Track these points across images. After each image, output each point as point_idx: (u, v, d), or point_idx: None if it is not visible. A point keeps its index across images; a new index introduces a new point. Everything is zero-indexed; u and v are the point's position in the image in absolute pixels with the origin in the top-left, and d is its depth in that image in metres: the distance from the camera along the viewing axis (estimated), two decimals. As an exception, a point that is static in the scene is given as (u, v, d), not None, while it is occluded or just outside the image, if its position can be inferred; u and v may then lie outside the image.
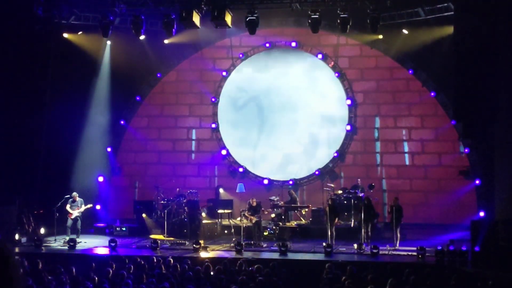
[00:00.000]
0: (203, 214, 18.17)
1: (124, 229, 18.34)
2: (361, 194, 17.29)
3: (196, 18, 15.82)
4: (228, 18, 15.93)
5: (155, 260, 12.86)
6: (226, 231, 18.00)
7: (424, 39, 17.82)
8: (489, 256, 13.17)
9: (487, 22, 14.42)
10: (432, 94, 19.25)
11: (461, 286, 11.18)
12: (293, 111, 20.48)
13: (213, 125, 20.87)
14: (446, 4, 16.33)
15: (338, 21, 15.86)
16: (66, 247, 15.64)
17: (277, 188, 19.84)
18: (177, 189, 18.74)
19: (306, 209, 18.71)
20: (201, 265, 12.34)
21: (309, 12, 15.96)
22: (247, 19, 15.97)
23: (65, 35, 18.72)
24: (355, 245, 15.05)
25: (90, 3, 16.90)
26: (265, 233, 17.27)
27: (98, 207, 19.44)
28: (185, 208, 17.70)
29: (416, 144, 19.66)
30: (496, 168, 15.04)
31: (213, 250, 15.39)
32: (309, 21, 16.04)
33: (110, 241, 15.47)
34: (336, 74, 20.21)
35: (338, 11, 15.74)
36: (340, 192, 18.25)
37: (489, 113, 14.98)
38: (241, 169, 20.51)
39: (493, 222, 14.02)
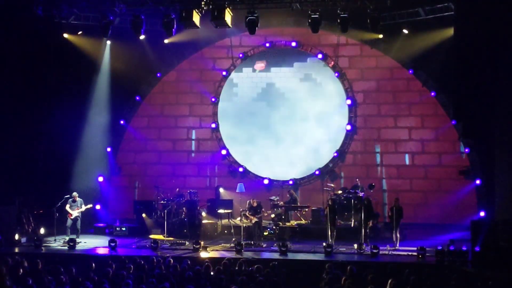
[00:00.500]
0: (203, 214, 18.16)
1: (124, 229, 18.33)
2: (361, 194, 17.28)
3: (196, 18, 15.81)
4: (228, 18, 15.92)
5: (155, 260, 12.85)
6: (226, 231, 18.00)
7: (424, 39, 17.80)
8: (489, 256, 13.16)
9: (487, 22, 14.40)
10: (432, 94, 19.24)
11: (461, 286, 11.16)
12: (293, 111, 20.46)
13: (213, 125, 20.86)
14: (446, 4, 16.33)
15: (338, 21, 15.85)
16: (66, 247, 15.63)
17: (277, 188, 19.83)
18: (177, 189, 18.73)
19: (306, 209, 18.71)
20: (201, 265, 12.32)
21: (309, 12, 15.95)
22: (247, 19, 15.96)
23: (65, 35, 18.71)
24: (355, 245, 15.05)
25: (90, 3, 16.88)
26: (265, 233, 17.27)
27: (98, 207, 19.43)
28: (184, 208, 17.66)
29: (416, 144, 19.65)
30: (496, 168, 15.04)
31: (213, 250, 15.39)
32: (309, 21, 16.03)
33: (110, 241, 15.46)
34: (336, 74, 20.21)
35: (338, 11, 15.73)
36: (340, 192, 18.24)
37: (489, 113, 14.97)
38: (241, 169, 20.50)
39: (493, 222, 14.01)
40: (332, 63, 20.28)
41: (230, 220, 17.55)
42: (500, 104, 14.71)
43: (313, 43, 20.29)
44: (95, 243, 16.35)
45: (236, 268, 12.20)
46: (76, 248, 15.64)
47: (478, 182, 17.70)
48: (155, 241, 15.67)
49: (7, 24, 16.48)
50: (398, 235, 15.71)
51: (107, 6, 16.43)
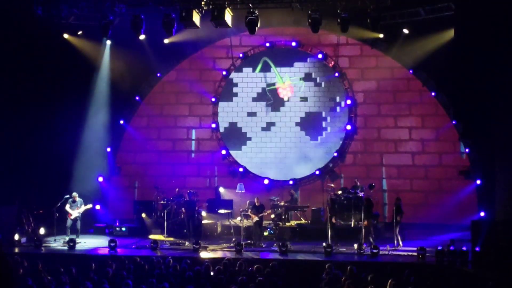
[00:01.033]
0: (203, 214, 18.15)
1: (124, 229, 18.33)
2: (361, 194, 17.26)
3: (196, 18, 15.82)
4: (228, 18, 15.93)
5: (155, 260, 12.86)
6: (226, 231, 17.99)
7: (425, 39, 17.78)
8: (489, 256, 13.16)
9: (487, 22, 14.40)
10: (433, 94, 19.23)
11: (461, 286, 11.17)
12: (293, 111, 20.46)
13: (213, 125, 20.85)
14: (446, 4, 16.30)
15: (338, 21, 15.84)
16: (66, 247, 15.63)
17: (277, 188, 19.83)
18: (177, 189, 18.72)
19: (306, 209, 18.71)
20: (201, 265, 12.33)
21: (309, 12, 15.95)
22: (247, 19, 15.95)
23: (65, 35, 18.71)
24: (355, 245, 15.04)
25: (90, 3, 16.86)
26: (265, 233, 17.27)
27: (98, 207, 19.43)
28: (183, 208, 17.64)
29: (417, 144, 19.64)
30: (496, 168, 15.04)
31: (213, 250, 15.40)
32: (309, 20, 16.02)
33: (110, 241, 15.46)
34: (336, 74, 20.20)
35: (338, 11, 15.72)
36: (340, 192, 18.21)
37: (489, 113, 14.97)
38: (241, 169, 20.49)
39: (494, 222, 14.01)
40: (332, 63, 20.28)
41: (230, 220, 17.55)
42: (500, 104, 14.70)
43: (313, 43, 20.29)
44: (95, 243, 16.36)
45: (236, 268, 12.20)
46: (76, 248, 15.65)
47: (478, 182, 17.68)
48: (155, 241, 15.67)
49: (7, 24, 16.46)
50: (398, 235, 15.71)
51: (107, 6, 16.41)
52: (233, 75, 20.97)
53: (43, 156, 18.29)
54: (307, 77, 20.51)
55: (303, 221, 18.64)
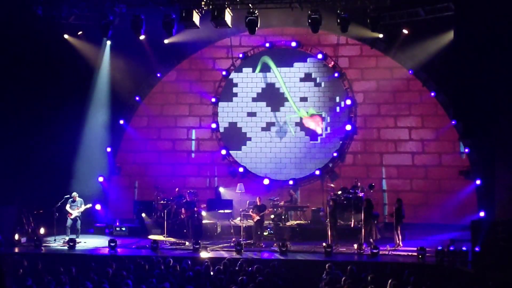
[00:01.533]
0: (203, 214, 18.15)
1: (124, 229, 18.34)
2: (361, 194, 17.27)
3: (196, 18, 15.82)
4: (228, 18, 15.93)
5: (155, 260, 12.86)
6: (226, 231, 17.99)
7: (424, 39, 17.80)
8: (489, 256, 13.16)
9: (487, 22, 14.40)
10: (432, 94, 19.24)
11: (461, 286, 11.18)
12: (292, 111, 20.46)
13: (213, 125, 20.85)
14: (446, 4, 16.31)
15: (338, 21, 15.84)
16: (66, 247, 15.64)
17: (277, 188, 19.83)
18: (176, 189, 18.73)
19: (305, 209, 18.71)
20: (201, 265, 12.34)
21: (309, 12, 15.95)
22: (247, 19, 15.96)
23: (65, 35, 18.71)
24: (355, 245, 15.05)
25: (90, 3, 16.86)
26: (265, 233, 17.27)
27: (98, 207, 19.43)
28: (183, 208, 17.65)
29: (417, 144, 19.65)
30: (496, 168, 15.04)
31: (213, 250, 15.40)
32: (309, 21, 16.03)
33: (110, 241, 15.47)
34: (336, 74, 20.20)
35: (338, 11, 15.73)
36: (340, 192, 18.22)
37: (489, 113, 14.96)
38: (241, 169, 20.49)
39: (494, 222, 14.01)
40: (332, 63, 20.28)
41: (230, 220, 17.55)
42: (500, 104, 14.71)
43: (313, 43, 20.30)
44: (95, 243, 16.37)
45: (236, 268, 12.21)
46: (76, 248, 15.66)
47: (478, 182, 17.70)
48: (155, 241, 15.68)
49: (7, 24, 16.46)
50: (399, 235, 15.73)
51: (107, 6, 16.41)
52: (233, 75, 20.97)
53: (43, 156, 18.29)
54: (307, 77, 20.51)
55: (303, 221, 18.64)
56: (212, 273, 11.80)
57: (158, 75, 21.08)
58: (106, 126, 20.20)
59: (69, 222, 16.76)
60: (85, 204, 17.09)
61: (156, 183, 19.58)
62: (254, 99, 20.77)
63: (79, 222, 16.88)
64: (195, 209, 17.35)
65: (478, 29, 14.56)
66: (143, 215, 18.45)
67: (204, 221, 18.04)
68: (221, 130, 20.90)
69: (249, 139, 20.67)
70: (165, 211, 16.88)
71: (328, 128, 20.26)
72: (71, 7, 17.03)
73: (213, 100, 20.88)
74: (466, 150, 18.62)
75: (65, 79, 18.67)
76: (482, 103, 15.02)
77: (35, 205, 17.56)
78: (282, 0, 16.10)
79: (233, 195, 19.17)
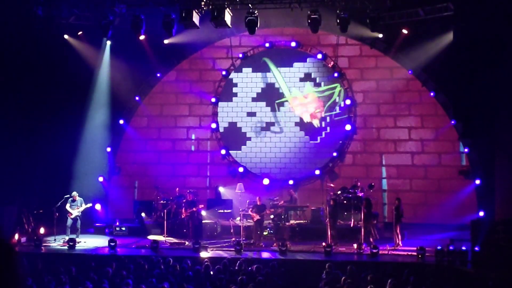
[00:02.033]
0: (203, 214, 18.16)
1: (124, 229, 18.34)
2: (360, 194, 17.30)
3: (196, 18, 15.84)
4: (228, 18, 15.94)
5: (155, 260, 12.88)
6: (226, 231, 18.00)
7: (424, 39, 17.81)
8: (489, 256, 13.18)
9: (487, 22, 14.42)
10: (432, 94, 19.25)
11: (461, 286, 11.19)
12: (292, 111, 20.47)
13: (213, 125, 20.86)
14: (445, 4, 16.33)
15: (338, 21, 15.85)
16: (66, 247, 15.65)
17: (277, 188, 19.83)
18: (177, 188, 18.73)
19: (305, 209, 18.72)
20: (201, 265, 12.36)
21: (308, 12, 15.96)
22: (247, 19, 15.97)
23: (65, 36, 18.73)
24: (355, 245, 15.06)
25: (90, 3, 16.87)
26: (265, 233, 17.28)
27: (98, 206, 19.44)
28: (183, 208, 17.66)
29: (416, 144, 19.66)
30: (496, 168, 15.05)
31: (213, 250, 15.40)
32: (309, 21, 16.04)
33: (110, 241, 15.48)
34: (336, 74, 20.21)
35: (338, 11, 15.74)
36: (339, 192, 18.25)
37: (489, 113, 14.99)
38: (241, 169, 20.50)
39: (493, 222, 14.03)
40: (332, 63, 20.29)
41: (230, 220, 17.57)
42: (500, 104, 14.73)
43: (313, 43, 20.31)
44: (95, 243, 16.37)
45: (236, 268, 12.23)
46: (76, 248, 15.66)
47: (478, 182, 17.71)
48: (155, 241, 15.68)
49: (7, 24, 16.48)
50: (399, 235, 15.74)
51: (107, 6, 16.43)
52: (233, 75, 20.98)
53: (43, 156, 18.31)
54: (307, 77, 20.53)
55: (303, 221, 18.65)
56: (212, 273, 11.81)
57: (158, 75, 21.09)
58: (106, 126, 20.21)
59: (69, 221, 16.77)
60: (85, 204, 17.09)
61: (156, 183, 19.58)
62: (253, 99, 20.78)
63: (79, 221, 16.88)
64: (195, 209, 17.35)
65: (477, 29, 14.59)
66: (143, 214, 18.46)
67: (204, 221, 18.05)
68: (221, 130, 20.91)
69: (249, 139, 20.69)
70: (165, 211, 16.88)
71: (328, 128, 20.27)
72: (71, 7, 17.04)
73: (213, 100, 20.89)
74: (466, 150, 18.64)
75: (65, 79, 18.68)
76: (481, 103, 15.05)
77: (35, 205, 17.58)
78: (282, 0, 16.11)
79: (233, 195, 19.19)
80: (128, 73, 19.67)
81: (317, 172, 20.02)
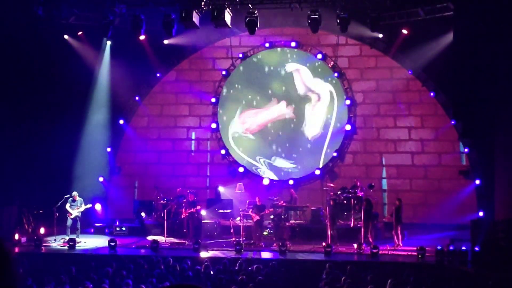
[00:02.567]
0: (203, 214, 18.16)
1: (124, 229, 18.33)
2: (360, 194, 17.30)
3: (196, 18, 15.85)
4: (228, 18, 15.95)
5: (155, 260, 12.88)
6: (226, 231, 17.99)
7: (424, 39, 17.82)
8: (489, 256, 13.18)
9: (487, 22, 14.42)
10: (432, 94, 19.25)
11: (461, 286, 11.19)
12: (292, 111, 20.46)
13: (213, 125, 20.85)
14: (445, 4, 16.33)
15: (338, 21, 15.86)
16: (66, 247, 15.64)
17: (277, 188, 19.83)
18: (178, 188, 18.73)
19: (305, 209, 18.72)
20: (201, 265, 12.36)
21: (308, 12, 15.97)
22: (247, 19, 15.98)
23: (65, 36, 18.74)
24: (355, 245, 15.06)
25: (90, 3, 16.89)
26: (265, 233, 17.28)
27: (98, 207, 19.44)
28: (183, 208, 17.67)
29: (416, 144, 19.66)
30: (496, 168, 15.05)
31: (213, 250, 15.41)
32: (309, 21, 16.05)
33: (110, 241, 15.47)
34: (336, 74, 20.20)
35: (338, 11, 15.74)
36: (339, 192, 18.25)
37: (489, 113, 14.99)
38: (241, 169, 20.49)
39: (493, 222, 14.03)
40: (332, 63, 20.28)
41: (230, 220, 17.56)
42: (500, 104, 14.73)
43: (313, 43, 20.30)
44: (95, 243, 16.37)
45: (236, 268, 12.23)
46: (76, 248, 15.66)
47: (478, 182, 17.71)
48: (155, 241, 15.68)
49: (7, 24, 16.48)
50: (399, 235, 15.75)
51: (107, 6, 16.45)
52: (233, 75, 20.96)
53: (43, 156, 18.31)
54: (306, 77, 20.50)
55: (303, 221, 18.65)
56: (212, 273, 11.81)
57: (158, 75, 21.08)
58: (106, 126, 20.22)
59: (69, 221, 16.77)
60: (85, 204, 17.10)
61: (156, 183, 19.58)
62: (253, 98, 20.75)
63: (79, 221, 16.88)
64: (194, 209, 17.36)
65: (477, 29, 14.59)
66: (143, 214, 18.46)
67: (204, 221, 18.05)
68: (221, 129, 20.90)
69: (249, 138, 20.67)
70: (165, 211, 16.88)
71: (328, 128, 20.25)
72: (71, 7, 17.06)
73: (213, 100, 20.89)
74: (466, 150, 18.64)
75: (65, 79, 18.68)
76: (481, 103, 15.05)
77: (35, 205, 17.59)
78: (282, 0, 16.12)
79: (233, 195, 19.19)
80: (128, 73, 19.66)
81: (317, 172, 20.02)
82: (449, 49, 16.51)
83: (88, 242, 16.48)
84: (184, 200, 17.82)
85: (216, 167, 20.85)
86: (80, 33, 18.73)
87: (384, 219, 18.42)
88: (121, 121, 20.81)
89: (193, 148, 21.15)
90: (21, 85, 17.72)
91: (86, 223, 17.95)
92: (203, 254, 14.67)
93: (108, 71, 19.78)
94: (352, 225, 17.18)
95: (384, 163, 19.86)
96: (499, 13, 14.29)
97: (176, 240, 16.62)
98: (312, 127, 20.22)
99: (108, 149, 20.63)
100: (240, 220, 16.98)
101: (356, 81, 20.23)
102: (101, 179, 20.29)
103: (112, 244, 15.35)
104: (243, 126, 20.54)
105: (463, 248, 13.80)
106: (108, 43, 19.44)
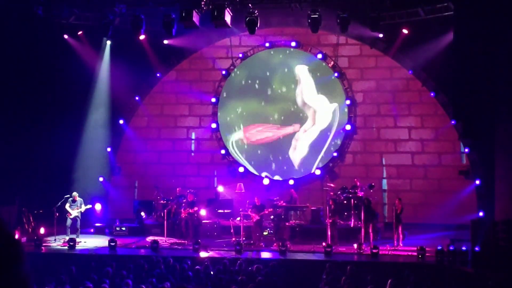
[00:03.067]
0: (203, 214, 18.15)
1: (123, 229, 18.32)
2: (360, 194, 17.29)
3: (196, 18, 15.84)
4: (228, 18, 15.94)
5: (155, 260, 12.88)
6: (226, 231, 17.99)
7: (424, 39, 17.82)
8: (489, 256, 13.17)
9: (487, 22, 14.41)
10: (432, 94, 19.24)
11: (461, 286, 11.19)
12: (292, 111, 20.47)
13: (213, 125, 20.85)
14: (446, 4, 16.33)
15: (338, 21, 15.85)
16: (66, 247, 15.64)
17: (277, 188, 19.82)
18: (178, 188, 18.73)
19: (305, 209, 18.71)
20: (201, 265, 12.36)
21: (308, 12, 15.96)
22: (247, 19, 15.98)
23: (65, 35, 18.74)
24: (355, 245, 15.06)
25: (90, 3, 16.89)
26: (265, 233, 17.27)
27: (98, 207, 19.42)
28: (183, 208, 17.66)
29: (416, 144, 19.66)
30: (496, 168, 15.04)
31: (213, 250, 15.40)
32: (309, 21, 16.04)
33: (110, 241, 15.47)
34: (336, 74, 20.20)
35: (338, 11, 15.74)
36: (339, 192, 18.24)
37: (489, 113, 14.97)
38: (241, 169, 20.49)
39: (493, 222, 14.02)
40: (332, 63, 20.28)
41: (230, 220, 17.55)
42: (500, 104, 14.71)
43: (313, 43, 20.30)
44: (95, 243, 16.37)
45: (236, 268, 12.23)
46: (76, 248, 15.66)
47: (478, 182, 17.70)
48: (155, 241, 15.67)
49: (7, 24, 16.48)
50: (400, 235, 15.74)
51: (107, 6, 16.45)
52: (233, 75, 20.96)
53: (43, 156, 18.32)
54: (306, 77, 20.50)
55: (302, 221, 18.64)
56: (212, 273, 11.81)
57: (158, 75, 21.08)
58: (106, 126, 20.22)
59: (69, 221, 16.77)
60: (85, 205, 17.09)
61: (156, 183, 19.58)
62: (253, 98, 20.75)
63: (79, 222, 16.88)
64: (192, 210, 17.35)
65: (477, 29, 14.57)
66: (143, 214, 18.46)
67: (204, 221, 18.04)
68: (221, 129, 20.89)
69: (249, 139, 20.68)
70: (165, 211, 16.88)
71: (328, 128, 20.25)
72: (71, 7, 17.07)
73: (213, 100, 20.88)
74: (466, 150, 18.63)
75: (65, 79, 18.70)
76: (481, 103, 15.03)
77: (35, 205, 17.58)
78: (282, 0, 16.11)
79: (233, 195, 19.18)
80: (128, 73, 19.65)
81: (317, 172, 20.02)
82: (449, 49, 16.49)
83: (88, 242, 16.47)
84: (184, 200, 17.81)
85: (216, 167, 20.85)
86: (80, 33, 18.73)
87: (385, 220, 18.44)
88: (121, 121, 20.81)
89: (193, 148, 21.15)
90: (21, 85, 17.72)
91: (86, 223, 17.95)
92: (203, 254, 14.67)
93: (108, 71, 19.78)
94: (352, 225, 17.18)
95: (384, 163, 19.87)
96: (499, 13, 14.28)
97: (176, 240, 16.61)
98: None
99: (108, 149, 20.63)
100: (240, 220, 16.98)
101: (356, 81, 20.22)
102: (101, 179, 20.28)
103: (112, 244, 15.34)
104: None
105: (463, 248, 13.79)
106: (108, 43, 19.44)
